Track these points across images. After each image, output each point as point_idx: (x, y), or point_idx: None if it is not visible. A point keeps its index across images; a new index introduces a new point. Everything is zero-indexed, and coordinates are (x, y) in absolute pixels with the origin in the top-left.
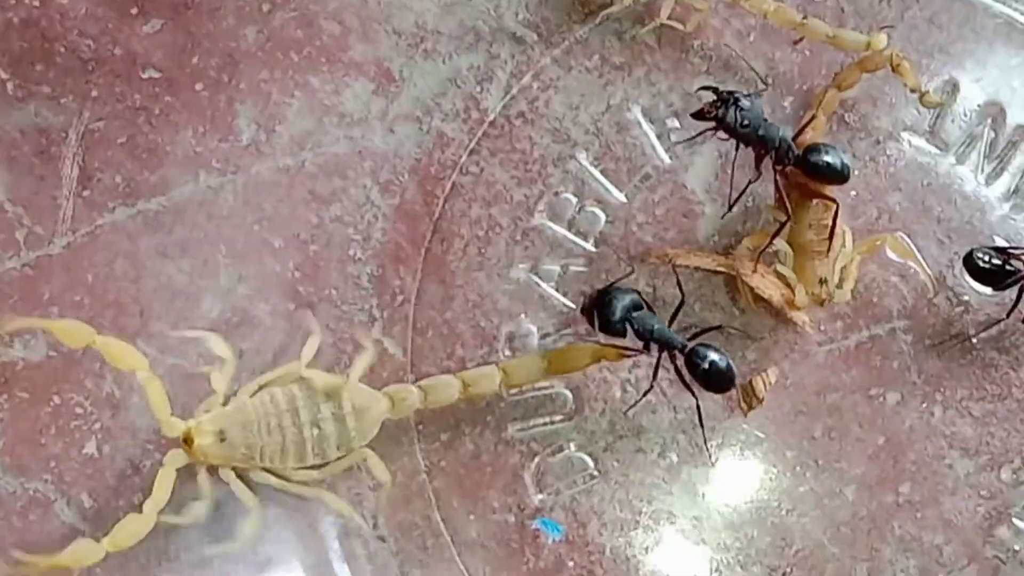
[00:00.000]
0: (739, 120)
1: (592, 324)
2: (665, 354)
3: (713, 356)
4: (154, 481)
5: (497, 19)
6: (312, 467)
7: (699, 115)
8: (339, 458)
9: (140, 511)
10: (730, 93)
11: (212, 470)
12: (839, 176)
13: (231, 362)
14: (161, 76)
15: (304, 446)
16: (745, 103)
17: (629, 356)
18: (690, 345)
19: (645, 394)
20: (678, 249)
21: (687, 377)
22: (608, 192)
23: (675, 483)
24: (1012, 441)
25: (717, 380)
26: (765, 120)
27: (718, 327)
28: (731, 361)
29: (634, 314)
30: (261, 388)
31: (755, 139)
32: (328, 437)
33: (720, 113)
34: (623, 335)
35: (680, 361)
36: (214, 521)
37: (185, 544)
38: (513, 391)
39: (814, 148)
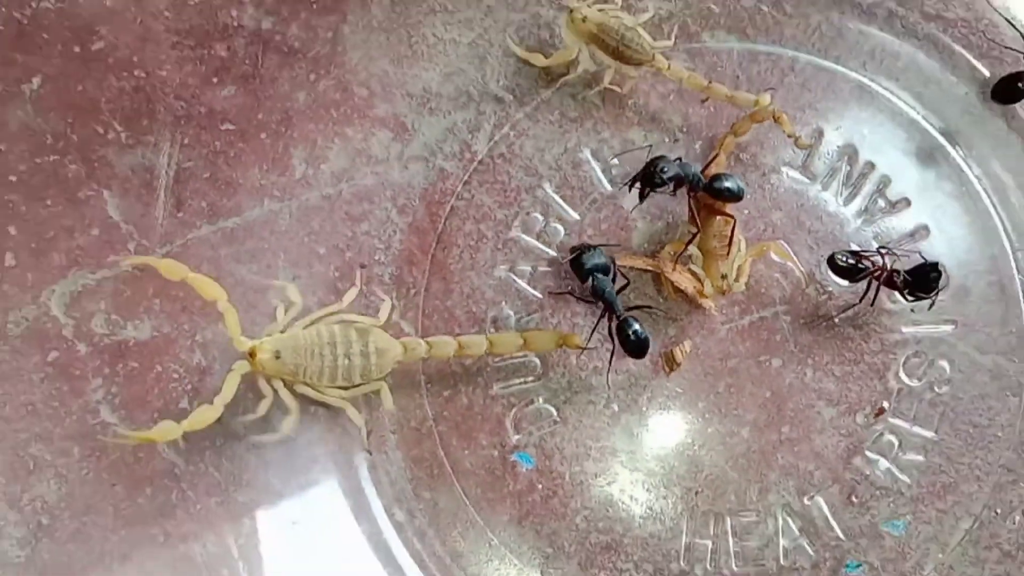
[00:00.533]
0: (663, 179)
1: (573, 266)
2: (606, 316)
3: (636, 327)
4: (223, 384)
5: (483, 85)
6: (340, 387)
7: (635, 182)
8: (360, 384)
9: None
10: (654, 161)
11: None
12: (736, 197)
13: (297, 305)
14: (235, 128)
15: (336, 371)
16: (666, 166)
17: (583, 348)
18: (624, 315)
19: (585, 349)
20: (619, 253)
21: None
22: (566, 212)
23: (616, 426)
24: (864, 394)
25: (635, 347)
26: (681, 160)
27: (648, 306)
28: (648, 336)
29: (598, 274)
30: (311, 324)
31: (673, 178)
32: (355, 367)
33: (664, 173)
34: (584, 282)
35: (614, 325)
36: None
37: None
38: (496, 359)
39: (717, 177)
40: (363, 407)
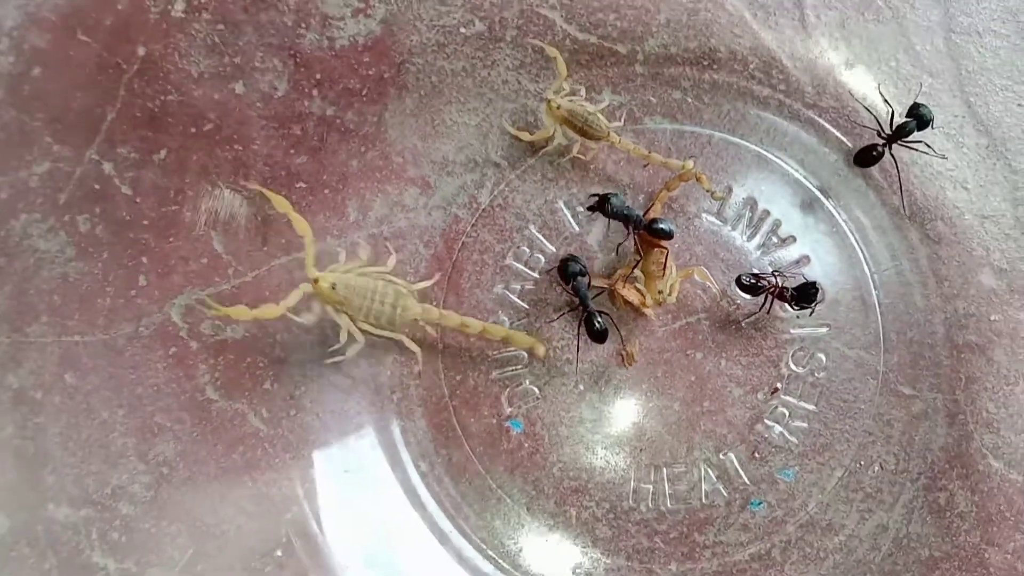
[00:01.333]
0: (612, 208)
1: (560, 272)
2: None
3: (599, 320)
4: (290, 294)
5: (486, 155)
6: (370, 327)
7: (593, 207)
8: (386, 329)
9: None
10: (607, 194)
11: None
12: (668, 236)
13: (361, 260)
14: (306, 185)
15: (370, 313)
16: (615, 200)
17: (541, 359)
18: (591, 310)
19: (542, 360)
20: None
21: (583, 329)
22: (546, 245)
23: (582, 402)
24: (763, 378)
25: (598, 335)
26: (627, 206)
27: (606, 312)
28: (607, 328)
29: (578, 277)
30: (363, 274)
31: (622, 216)
32: (384, 314)
33: (605, 205)
34: (567, 283)
35: (583, 318)
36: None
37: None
38: (494, 352)
39: (655, 220)
40: (397, 389)
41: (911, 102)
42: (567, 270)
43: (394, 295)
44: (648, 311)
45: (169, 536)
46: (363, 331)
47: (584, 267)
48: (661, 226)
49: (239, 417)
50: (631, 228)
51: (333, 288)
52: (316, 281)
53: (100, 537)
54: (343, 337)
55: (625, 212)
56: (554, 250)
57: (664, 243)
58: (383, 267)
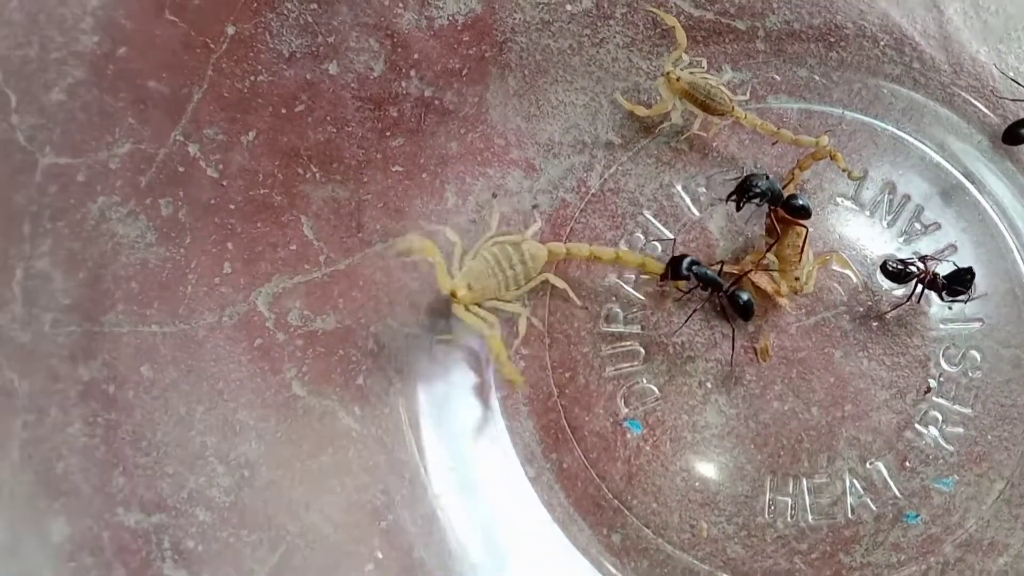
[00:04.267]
0: (756, 191)
1: (671, 275)
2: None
3: (744, 295)
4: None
5: (595, 135)
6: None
7: (737, 193)
8: (526, 285)
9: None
10: (750, 176)
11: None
12: (806, 214)
13: (458, 243)
14: (403, 169)
15: (508, 281)
16: (758, 180)
17: (661, 277)
18: (730, 289)
19: (688, 317)
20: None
21: (729, 310)
22: (662, 232)
23: (707, 404)
24: (910, 379)
25: (744, 309)
26: (769, 177)
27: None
28: (753, 300)
29: (694, 267)
30: (476, 254)
31: (766, 195)
32: (519, 274)
33: (758, 187)
34: (687, 279)
35: (723, 300)
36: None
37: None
38: (608, 347)
39: (793, 196)
40: (501, 386)
41: None
42: (678, 268)
43: (516, 251)
44: (783, 301)
45: (249, 546)
46: (492, 309)
47: (695, 259)
48: (800, 203)
49: (329, 415)
50: (767, 204)
51: (470, 288)
52: (454, 293)
53: (173, 546)
54: (487, 330)
55: (768, 185)
56: (671, 237)
57: (802, 223)
58: (488, 233)
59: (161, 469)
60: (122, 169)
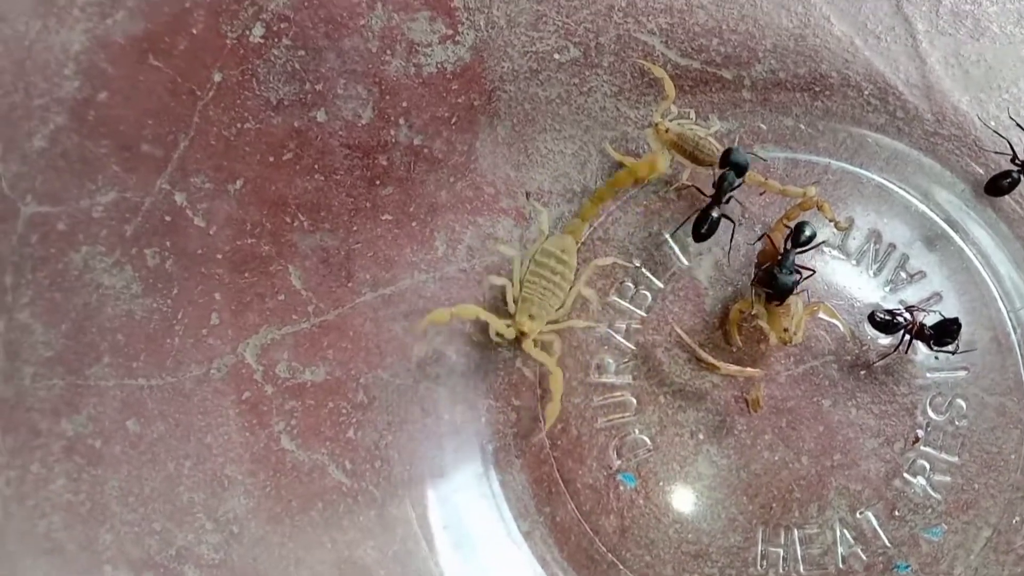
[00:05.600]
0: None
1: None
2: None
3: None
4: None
5: (584, 184)
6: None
7: (794, 244)
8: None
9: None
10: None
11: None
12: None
13: (516, 259)
14: (392, 218)
15: (557, 287)
16: (809, 229)
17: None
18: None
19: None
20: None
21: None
22: (652, 282)
23: (699, 454)
24: (898, 427)
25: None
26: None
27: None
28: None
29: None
30: (518, 281)
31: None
32: (565, 273)
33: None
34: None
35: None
36: None
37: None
38: (599, 398)
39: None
40: (493, 438)
41: None
42: (734, 158)
43: (547, 257)
44: (753, 372)
45: None
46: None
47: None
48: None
49: (318, 469)
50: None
51: (532, 318)
52: (522, 333)
53: None
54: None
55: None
56: (661, 286)
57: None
58: (513, 249)
59: (149, 526)
60: (106, 218)
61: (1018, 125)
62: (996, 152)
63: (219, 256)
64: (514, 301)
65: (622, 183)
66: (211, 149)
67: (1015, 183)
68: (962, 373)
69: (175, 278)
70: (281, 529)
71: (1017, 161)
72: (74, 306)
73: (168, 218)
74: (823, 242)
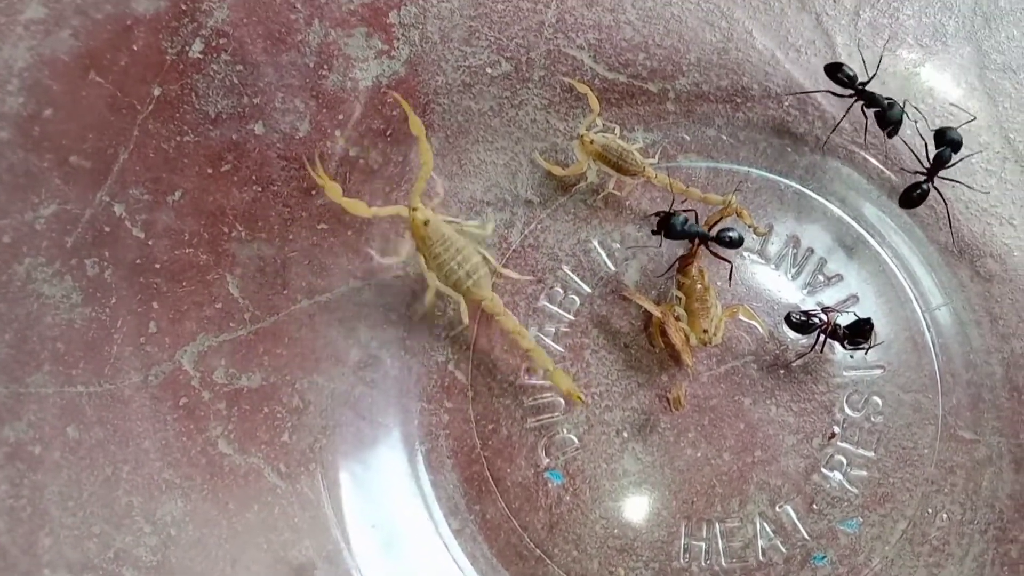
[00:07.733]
0: (676, 226)
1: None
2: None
3: (728, 232)
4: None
5: (515, 194)
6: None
7: (656, 230)
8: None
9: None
10: (669, 212)
11: None
12: (739, 244)
13: (439, 195)
14: (328, 227)
15: (442, 268)
16: (676, 219)
17: (583, 402)
18: (715, 233)
19: (583, 404)
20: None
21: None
22: (580, 286)
23: (625, 452)
24: (816, 424)
25: (734, 241)
26: (690, 223)
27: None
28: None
29: (686, 226)
30: (459, 231)
31: (688, 234)
32: (455, 275)
33: (669, 224)
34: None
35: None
36: None
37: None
38: (530, 399)
39: (723, 229)
40: (425, 440)
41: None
42: (672, 228)
43: (474, 265)
44: (687, 359)
45: None
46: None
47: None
48: (730, 234)
49: (254, 473)
50: (695, 244)
51: (425, 224)
52: (415, 210)
53: None
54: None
55: (690, 229)
56: (588, 291)
57: (713, 274)
58: (482, 230)
59: (88, 529)
60: (48, 230)
61: (919, 135)
62: (904, 169)
63: (157, 266)
64: (450, 287)
65: (537, 361)
66: (150, 161)
67: (925, 194)
68: (878, 371)
69: (114, 288)
70: (218, 531)
71: (924, 169)
72: (16, 316)
73: (107, 229)
74: (740, 237)
